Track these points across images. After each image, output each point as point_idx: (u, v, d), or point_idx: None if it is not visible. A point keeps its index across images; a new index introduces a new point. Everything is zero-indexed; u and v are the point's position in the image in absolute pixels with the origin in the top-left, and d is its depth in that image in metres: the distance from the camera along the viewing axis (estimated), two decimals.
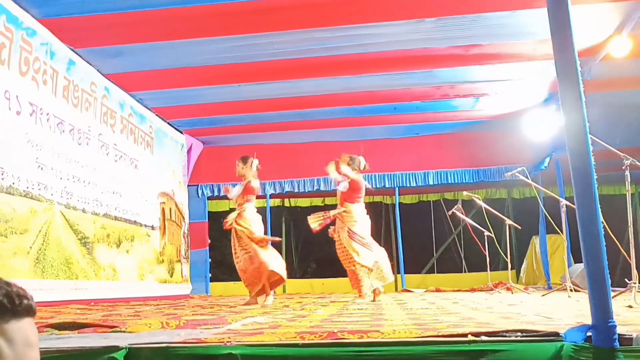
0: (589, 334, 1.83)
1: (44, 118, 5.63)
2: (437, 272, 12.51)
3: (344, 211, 6.06)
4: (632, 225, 4.24)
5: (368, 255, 5.97)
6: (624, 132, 7.95)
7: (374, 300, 5.70)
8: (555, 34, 2.05)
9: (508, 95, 8.37)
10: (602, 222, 1.92)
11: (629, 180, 4.30)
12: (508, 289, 7.75)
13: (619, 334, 1.80)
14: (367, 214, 6.24)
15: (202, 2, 5.39)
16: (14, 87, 5.14)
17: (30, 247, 5.22)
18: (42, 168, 5.52)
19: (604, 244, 1.86)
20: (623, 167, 4.30)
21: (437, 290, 9.73)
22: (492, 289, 8.15)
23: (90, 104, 6.68)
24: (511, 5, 5.63)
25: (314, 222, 6.01)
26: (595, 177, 1.92)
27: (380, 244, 6.41)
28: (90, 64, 6.65)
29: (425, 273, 12.35)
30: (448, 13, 5.81)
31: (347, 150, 6.71)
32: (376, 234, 8.79)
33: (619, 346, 1.78)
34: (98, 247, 6.60)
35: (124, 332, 2.43)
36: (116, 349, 1.94)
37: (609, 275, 1.85)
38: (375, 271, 5.95)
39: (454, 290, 9.36)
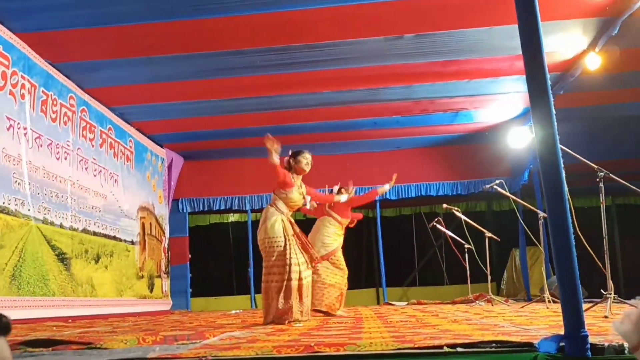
0: (562, 344, 1.86)
1: (22, 132, 5.57)
2: (419, 285, 12.52)
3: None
4: (606, 237, 4.30)
5: None
6: (599, 145, 8.09)
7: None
8: (526, 50, 2.09)
9: (486, 110, 8.49)
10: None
11: (604, 192, 4.37)
12: (488, 301, 7.79)
13: (591, 344, 1.83)
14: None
15: (182, 18, 5.40)
16: None
17: (6, 264, 5.12)
18: (19, 183, 5.44)
19: (575, 253, 1.89)
20: (597, 180, 4.37)
21: (419, 303, 9.75)
22: (472, 301, 8.19)
23: (69, 119, 6.62)
24: (487, 22, 5.73)
25: None
26: (567, 188, 1.95)
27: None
28: (69, 78, 6.60)
29: (407, 286, 12.37)
30: (426, 29, 5.90)
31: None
32: (358, 248, 8.78)
33: (591, 355, 1.81)
34: (76, 263, 6.50)
35: (99, 348, 2.39)
36: None
37: (580, 285, 1.88)
38: None
39: (435, 303, 9.38)
